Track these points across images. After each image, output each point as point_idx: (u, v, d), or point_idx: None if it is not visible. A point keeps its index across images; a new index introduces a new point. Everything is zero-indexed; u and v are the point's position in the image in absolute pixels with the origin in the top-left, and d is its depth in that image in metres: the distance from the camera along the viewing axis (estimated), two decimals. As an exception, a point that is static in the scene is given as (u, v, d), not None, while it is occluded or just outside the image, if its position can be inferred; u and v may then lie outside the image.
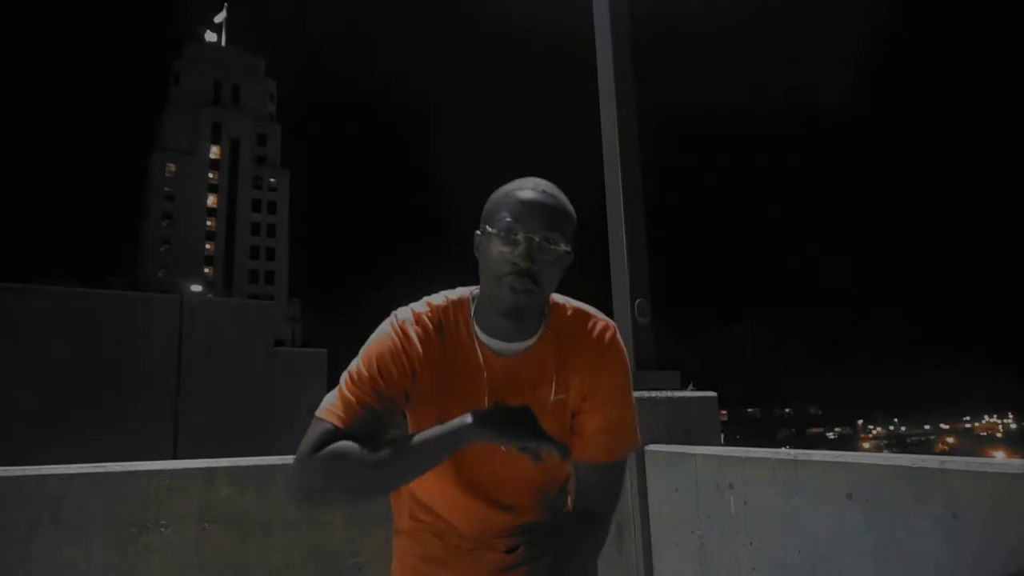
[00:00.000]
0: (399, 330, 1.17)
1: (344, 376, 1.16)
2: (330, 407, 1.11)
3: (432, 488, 1.24)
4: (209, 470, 1.66)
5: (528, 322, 1.18)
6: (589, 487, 1.26)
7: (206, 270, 57.01)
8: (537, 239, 1.09)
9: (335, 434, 1.07)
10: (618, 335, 1.26)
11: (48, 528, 1.49)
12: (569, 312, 1.25)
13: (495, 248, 1.11)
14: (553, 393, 1.21)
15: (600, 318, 1.26)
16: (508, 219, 1.10)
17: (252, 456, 1.77)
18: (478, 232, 1.18)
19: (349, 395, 1.11)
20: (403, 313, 1.21)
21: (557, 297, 1.25)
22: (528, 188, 1.14)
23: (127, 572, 1.54)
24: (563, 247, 1.12)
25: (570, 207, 1.16)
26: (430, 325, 1.19)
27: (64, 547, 1.50)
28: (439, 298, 1.24)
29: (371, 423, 1.10)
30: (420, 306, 1.23)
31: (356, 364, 1.16)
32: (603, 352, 1.22)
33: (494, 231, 1.11)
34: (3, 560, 1.44)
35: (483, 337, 1.19)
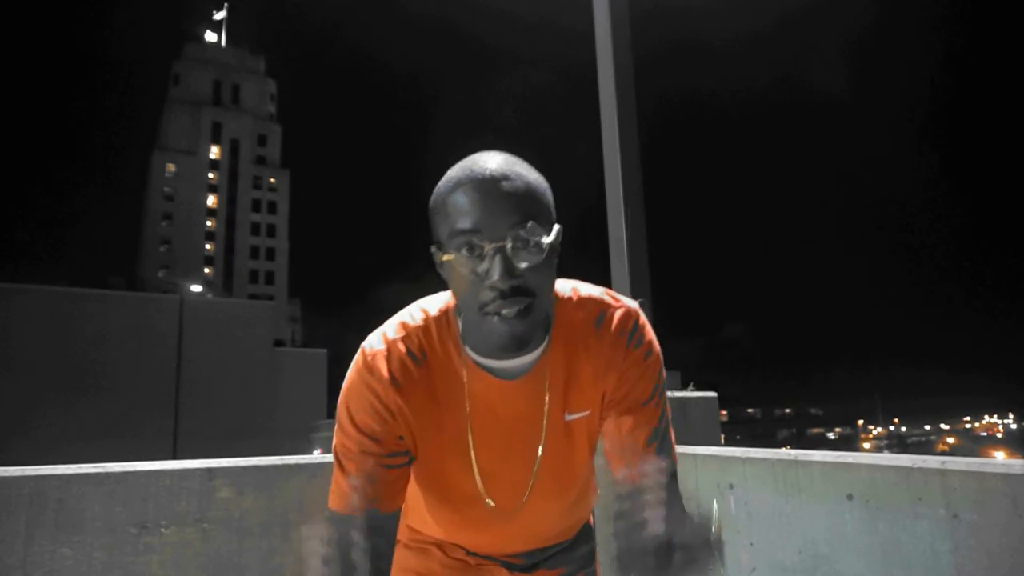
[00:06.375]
0: (371, 376, 0.95)
1: (334, 443, 0.98)
2: (335, 491, 0.95)
3: (433, 516, 1.11)
4: (209, 470, 1.66)
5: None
6: (635, 516, 0.86)
7: (206, 270, 57.00)
8: (510, 244, 0.83)
9: (345, 529, 0.86)
10: (643, 322, 1.01)
11: (47, 528, 1.48)
12: (578, 304, 1.00)
13: (462, 271, 0.85)
14: (567, 412, 1.00)
15: (616, 304, 1.01)
16: (465, 227, 0.83)
17: (252, 456, 1.77)
18: (433, 248, 0.90)
19: (346, 475, 0.94)
20: (376, 344, 0.97)
21: (561, 287, 1.01)
22: (476, 175, 0.85)
23: (126, 573, 1.54)
24: (547, 238, 0.86)
25: (536, 176, 0.89)
26: (408, 360, 0.96)
27: (63, 547, 1.49)
28: (416, 315, 1.00)
29: (381, 496, 0.93)
30: (394, 330, 0.98)
31: (338, 430, 0.97)
32: (624, 347, 0.98)
33: (452, 250, 0.85)
34: (2, 561, 1.44)
35: (477, 359, 0.96)
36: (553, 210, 0.91)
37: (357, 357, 0.98)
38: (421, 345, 0.97)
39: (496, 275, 0.82)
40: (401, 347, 0.96)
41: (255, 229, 59.46)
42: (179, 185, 57.19)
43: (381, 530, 0.93)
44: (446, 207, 0.86)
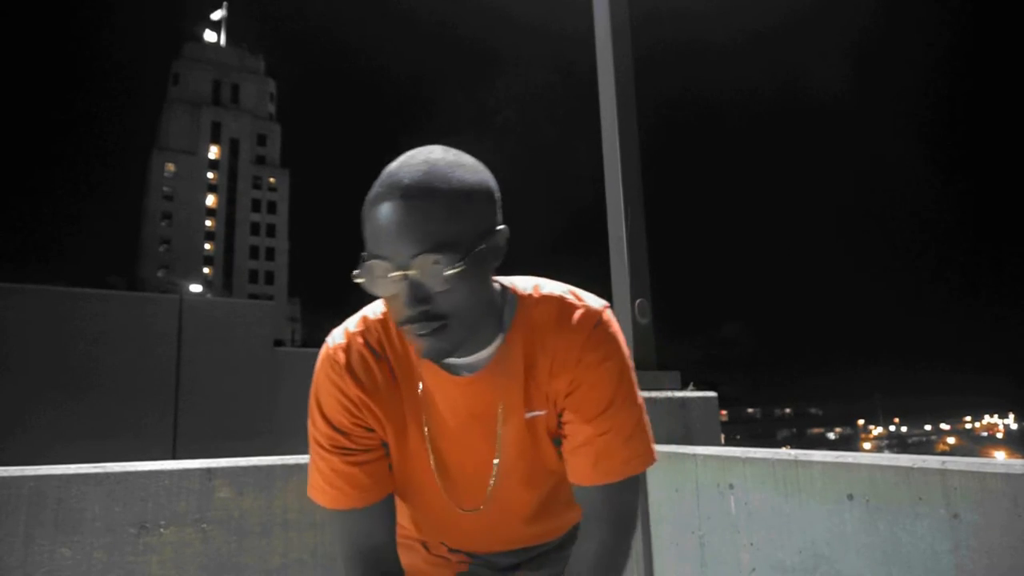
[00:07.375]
0: (332, 370, 0.96)
1: (309, 436, 0.99)
2: (322, 487, 0.97)
3: (404, 514, 1.11)
4: (208, 471, 1.66)
5: (483, 331, 0.91)
6: (590, 512, 0.98)
7: (206, 270, 57.01)
8: (418, 272, 0.79)
9: (352, 524, 0.96)
10: (608, 320, 0.97)
11: (47, 528, 1.48)
12: (537, 302, 0.96)
13: (375, 289, 0.83)
14: (527, 410, 0.97)
15: (581, 303, 0.97)
16: (375, 252, 0.80)
17: (251, 456, 1.77)
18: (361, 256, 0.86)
19: (322, 472, 0.97)
20: (338, 338, 0.98)
21: (523, 284, 0.99)
22: (392, 191, 0.79)
23: (126, 573, 1.54)
24: (454, 268, 0.79)
25: (461, 184, 0.81)
26: (368, 353, 0.96)
27: (62, 547, 1.49)
28: (377, 309, 0.99)
29: (371, 488, 0.96)
30: (355, 324, 0.99)
31: (311, 424, 0.98)
32: (584, 347, 0.93)
33: (365, 271, 0.81)
34: (2, 561, 1.44)
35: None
36: (487, 216, 0.84)
37: (321, 350, 0.99)
38: (380, 339, 0.97)
39: (404, 305, 0.80)
40: (360, 341, 0.97)
41: (255, 229, 59.46)
42: (179, 185, 57.18)
43: (383, 516, 0.98)
44: (365, 222, 0.82)
